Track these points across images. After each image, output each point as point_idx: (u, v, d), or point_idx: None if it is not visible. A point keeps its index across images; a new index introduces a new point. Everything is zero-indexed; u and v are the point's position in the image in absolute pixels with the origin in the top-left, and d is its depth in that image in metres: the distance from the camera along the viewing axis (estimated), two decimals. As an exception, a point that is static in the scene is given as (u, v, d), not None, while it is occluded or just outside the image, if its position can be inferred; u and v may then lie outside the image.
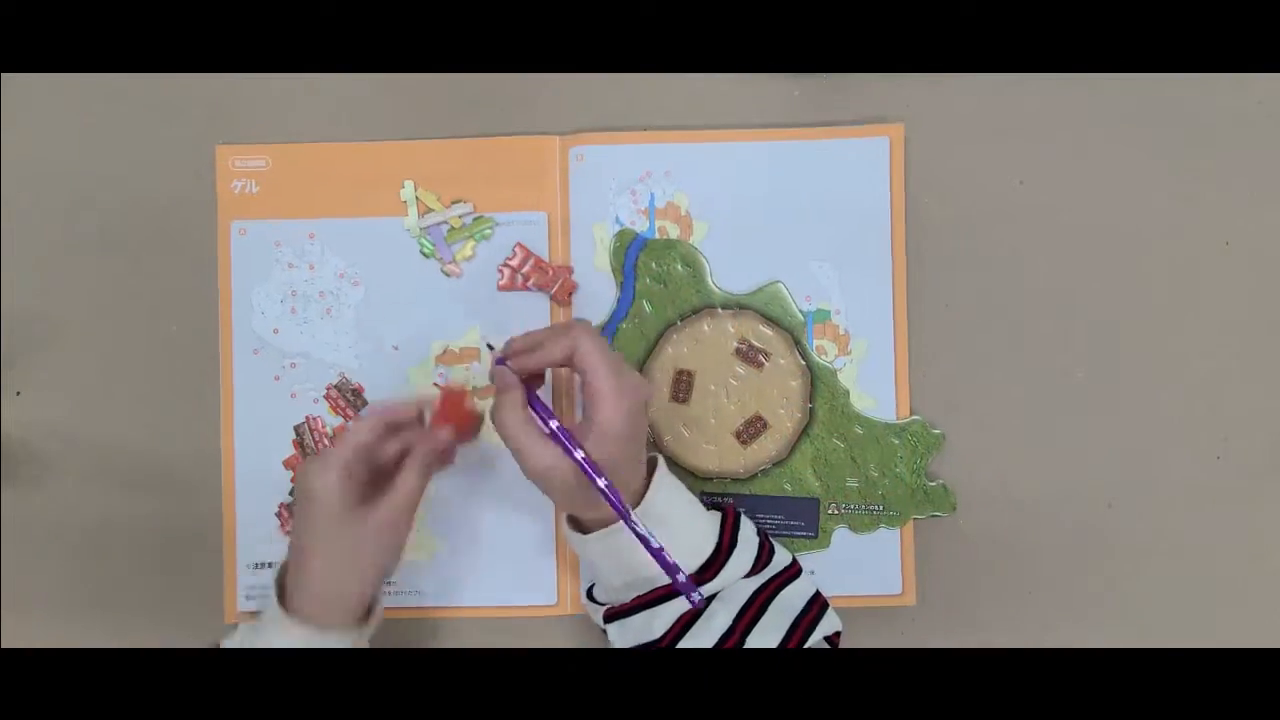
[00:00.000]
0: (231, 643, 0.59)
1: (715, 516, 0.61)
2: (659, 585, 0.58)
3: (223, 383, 0.69)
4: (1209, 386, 0.68)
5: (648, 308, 0.68)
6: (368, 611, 0.59)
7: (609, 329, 0.68)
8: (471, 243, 0.69)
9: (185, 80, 0.69)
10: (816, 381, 0.68)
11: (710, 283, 0.68)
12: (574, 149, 0.68)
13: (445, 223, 0.69)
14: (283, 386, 0.69)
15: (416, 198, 0.69)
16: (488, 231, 0.69)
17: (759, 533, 0.62)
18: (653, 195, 0.68)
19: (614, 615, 0.60)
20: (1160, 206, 0.68)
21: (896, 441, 0.68)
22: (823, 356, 0.68)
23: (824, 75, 0.68)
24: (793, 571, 0.62)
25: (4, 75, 0.69)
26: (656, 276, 0.68)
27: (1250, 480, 0.68)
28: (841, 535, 0.68)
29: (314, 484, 0.56)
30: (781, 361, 0.68)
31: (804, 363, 0.68)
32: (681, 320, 0.68)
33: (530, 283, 0.68)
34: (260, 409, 0.68)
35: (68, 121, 0.69)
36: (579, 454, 0.56)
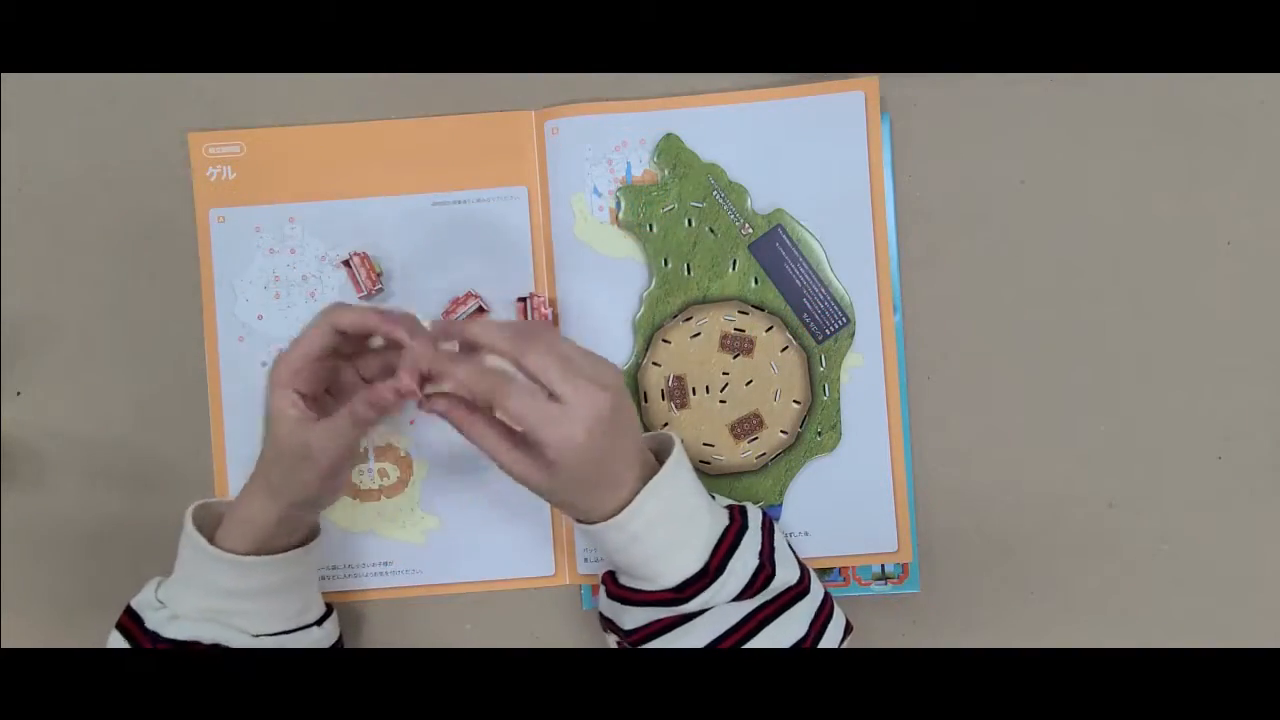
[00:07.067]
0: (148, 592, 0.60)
1: (718, 528, 0.58)
2: (634, 588, 0.57)
3: (209, 372, 0.68)
4: (1209, 386, 0.68)
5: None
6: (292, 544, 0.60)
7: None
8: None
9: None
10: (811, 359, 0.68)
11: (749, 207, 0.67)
12: (549, 122, 0.68)
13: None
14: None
15: None
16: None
17: (760, 554, 0.58)
18: (629, 164, 0.68)
19: (604, 586, 0.60)
20: (1160, 206, 0.68)
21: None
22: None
23: (824, 76, 0.68)
24: (798, 590, 0.59)
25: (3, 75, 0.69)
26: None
27: (1251, 480, 0.68)
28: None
29: (270, 404, 0.57)
30: (771, 343, 0.68)
31: (796, 341, 0.68)
32: (672, 319, 0.67)
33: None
34: (248, 396, 0.68)
35: (49, 121, 0.69)
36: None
